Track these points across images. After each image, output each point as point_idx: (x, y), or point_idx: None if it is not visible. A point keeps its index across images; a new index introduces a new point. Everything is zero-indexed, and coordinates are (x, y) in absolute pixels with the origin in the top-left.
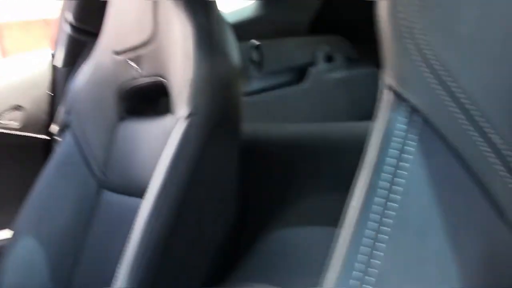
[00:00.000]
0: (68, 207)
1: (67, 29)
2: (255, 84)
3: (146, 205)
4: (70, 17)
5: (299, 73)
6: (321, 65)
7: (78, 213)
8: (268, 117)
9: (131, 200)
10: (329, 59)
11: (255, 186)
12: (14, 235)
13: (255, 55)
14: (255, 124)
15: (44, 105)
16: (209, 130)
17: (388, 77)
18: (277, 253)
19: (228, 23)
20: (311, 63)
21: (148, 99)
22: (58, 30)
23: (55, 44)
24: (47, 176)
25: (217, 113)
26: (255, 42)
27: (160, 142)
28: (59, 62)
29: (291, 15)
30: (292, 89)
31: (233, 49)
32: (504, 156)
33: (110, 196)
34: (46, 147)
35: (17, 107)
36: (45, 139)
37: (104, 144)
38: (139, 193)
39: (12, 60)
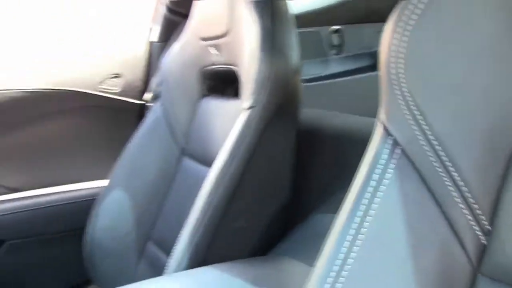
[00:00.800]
0: (155, 166)
1: (163, 10)
2: (335, 67)
3: (210, 176)
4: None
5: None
6: None
7: (162, 173)
8: (345, 100)
9: (204, 169)
10: None
11: (308, 170)
12: (109, 184)
13: (335, 39)
14: (316, 110)
15: (140, 74)
16: (266, 120)
17: (381, 113)
18: (317, 236)
19: (293, 24)
20: None
21: (226, 82)
22: (156, 9)
23: (153, 21)
24: (138, 137)
25: (275, 106)
26: (336, 27)
27: (232, 121)
28: (155, 37)
29: (373, 1)
30: (370, 74)
31: (293, 50)
32: (462, 191)
33: (188, 163)
34: (140, 111)
35: (118, 75)
36: (140, 104)
37: (187, 115)
38: (211, 163)
39: (116, 34)
